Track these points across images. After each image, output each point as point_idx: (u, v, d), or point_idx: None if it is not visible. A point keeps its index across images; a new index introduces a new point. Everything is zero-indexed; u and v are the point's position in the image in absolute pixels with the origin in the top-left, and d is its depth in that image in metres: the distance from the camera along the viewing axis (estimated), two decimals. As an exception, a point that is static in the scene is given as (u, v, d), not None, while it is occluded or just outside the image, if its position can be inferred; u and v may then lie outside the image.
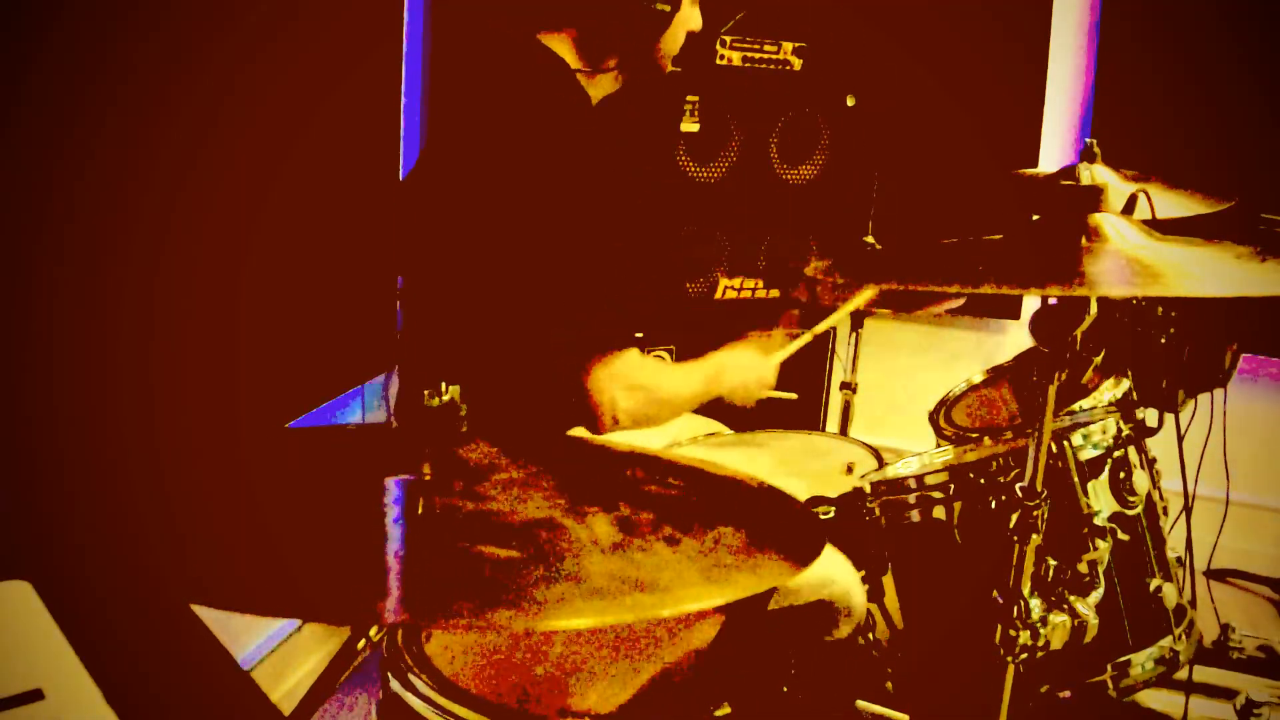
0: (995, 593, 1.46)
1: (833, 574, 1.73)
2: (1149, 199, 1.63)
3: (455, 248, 1.80)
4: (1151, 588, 1.70)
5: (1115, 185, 1.85)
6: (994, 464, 1.70)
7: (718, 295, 2.89)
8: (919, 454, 1.95)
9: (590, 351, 1.76)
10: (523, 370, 1.76)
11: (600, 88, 1.90)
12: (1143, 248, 1.41)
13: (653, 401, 1.85)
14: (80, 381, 1.74)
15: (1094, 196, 1.46)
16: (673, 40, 1.88)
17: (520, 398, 1.71)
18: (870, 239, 2.88)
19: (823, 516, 1.83)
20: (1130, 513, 1.71)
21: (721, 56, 2.75)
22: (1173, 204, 1.90)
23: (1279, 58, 2.90)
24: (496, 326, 1.77)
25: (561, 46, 1.84)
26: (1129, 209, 1.56)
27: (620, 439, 1.63)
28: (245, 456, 1.23)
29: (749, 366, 2.03)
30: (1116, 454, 1.71)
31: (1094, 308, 1.41)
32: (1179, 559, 1.78)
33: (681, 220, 2.81)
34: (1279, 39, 2.90)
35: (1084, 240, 1.42)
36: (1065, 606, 1.53)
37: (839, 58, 2.89)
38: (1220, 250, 1.43)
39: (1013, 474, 1.64)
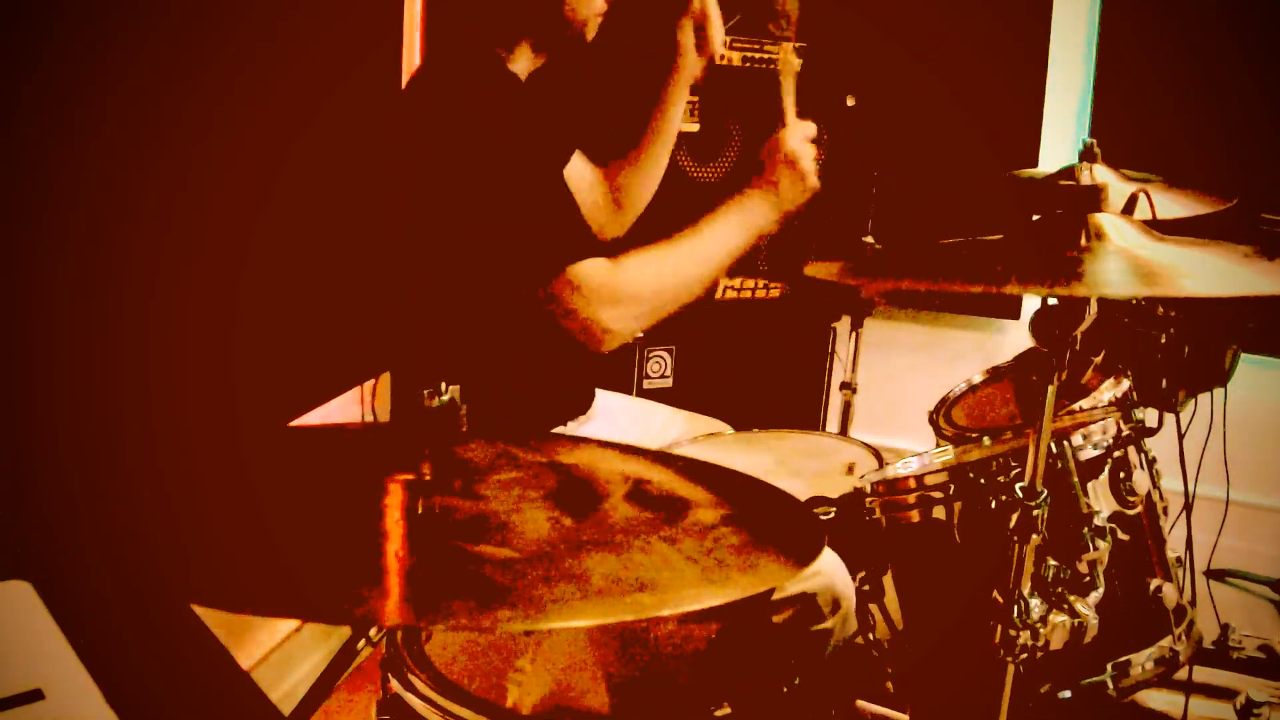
0: (995, 593, 1.46)
1: (814, 566, 1.71)
2: (1149, 199, 1.63)
3: (430, 240, 1.83)
4: (1151, 588, 1.70)
5: (1115, 185, 1.84)
6: (994, 464, 1.70)
7: (718, 295, 2.89)
8: (919, 454, 1.94)
9: (544, 275, 1.72)
10: (512, 360, 1.77)
11: (521, 62, 1.93)
12: (1143, 247, 1.41)
13: (651, 300, 1.81)
14: (80, 381, 1.74)
15: (1094, 196, 1.46)
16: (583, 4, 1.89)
17: (512, 389, 1.72)
18: (870, 239, 2.88)
19: (823, 517, 1.83)
20: (1130, 513, 1.71)
21: (721, 56, 2.75)
22: (1173, 204, 1.90)
23: (1279, 58, 2.90)
24: (477, 311, 1.80)
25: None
26: (1129, 209, 1.56)
27: (618, 440, 1.63)
28: (245, 456, 1.23)
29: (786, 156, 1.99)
30: (1116, 454, 1.71)
31: (1094, 308, 1.41)
32: (1179, 559, 1.78)
33: (681, 220, 2.81)
34: (1279, 39, 2.91)
35: (1084, 240, 1.42)
36: (1065, 606, 1.53)
37: (839, 58, 2.88)
38: (1220, 250, 1.42)
39: (1013, 474, 1.64)
